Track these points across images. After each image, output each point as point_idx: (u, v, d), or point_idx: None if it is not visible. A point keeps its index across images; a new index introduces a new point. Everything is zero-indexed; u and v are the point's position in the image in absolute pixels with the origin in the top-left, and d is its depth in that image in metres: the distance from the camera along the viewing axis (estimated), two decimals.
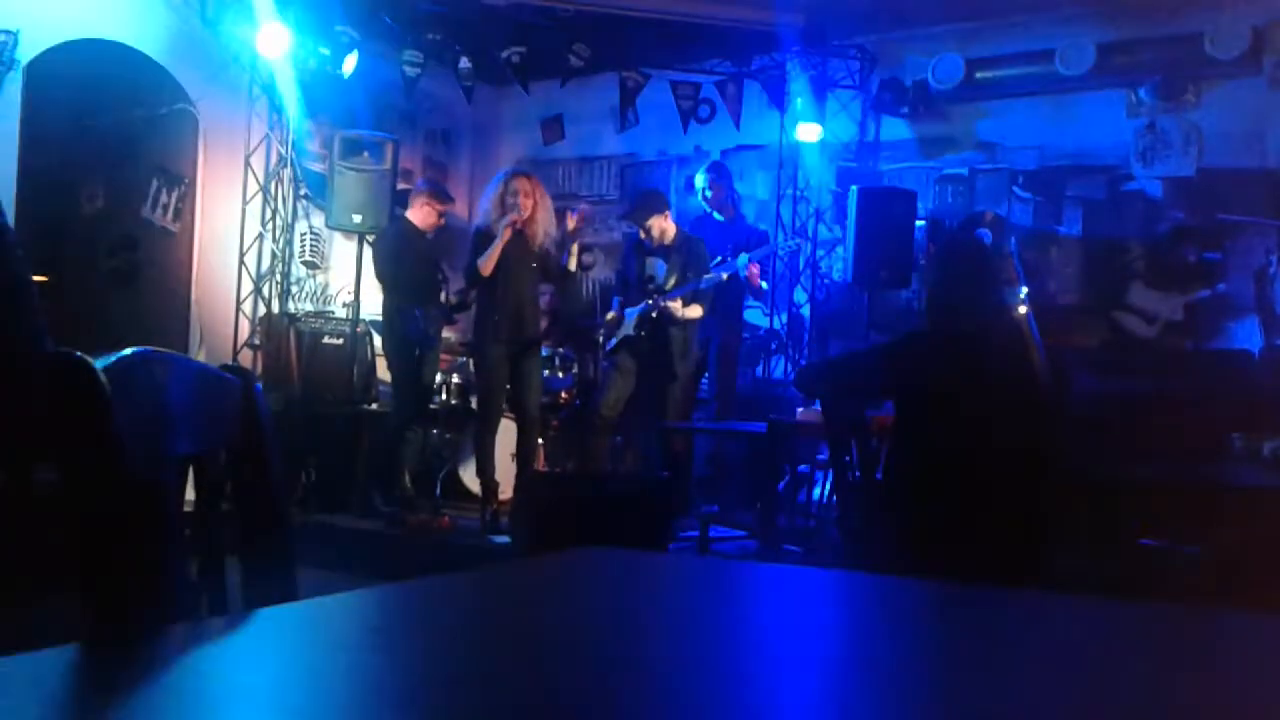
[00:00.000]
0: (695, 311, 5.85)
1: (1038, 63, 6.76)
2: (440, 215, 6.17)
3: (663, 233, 5.92)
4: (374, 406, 6.79)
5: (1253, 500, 3.30)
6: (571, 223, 5.90)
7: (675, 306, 5.77)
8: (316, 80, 7.04)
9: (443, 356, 6.60)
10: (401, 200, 6.59)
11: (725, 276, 6.00)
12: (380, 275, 6.15)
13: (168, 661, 0.87)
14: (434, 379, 6.31)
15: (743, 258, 6.22)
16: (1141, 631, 1.13)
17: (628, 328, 5.91)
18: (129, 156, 6.63)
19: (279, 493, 1.35)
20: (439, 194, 6.25)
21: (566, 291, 7.09)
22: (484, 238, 5.59)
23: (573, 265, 5.76)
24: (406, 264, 5.98)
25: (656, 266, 5.94)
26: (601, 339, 6.22)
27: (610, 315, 6.03)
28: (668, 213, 6.01)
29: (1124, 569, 3.16)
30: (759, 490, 5.37)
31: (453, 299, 6.46)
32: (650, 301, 5.82)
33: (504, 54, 6.95)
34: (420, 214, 6.11)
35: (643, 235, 5.94)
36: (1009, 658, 1.00)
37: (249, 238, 7.01)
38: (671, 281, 5.86)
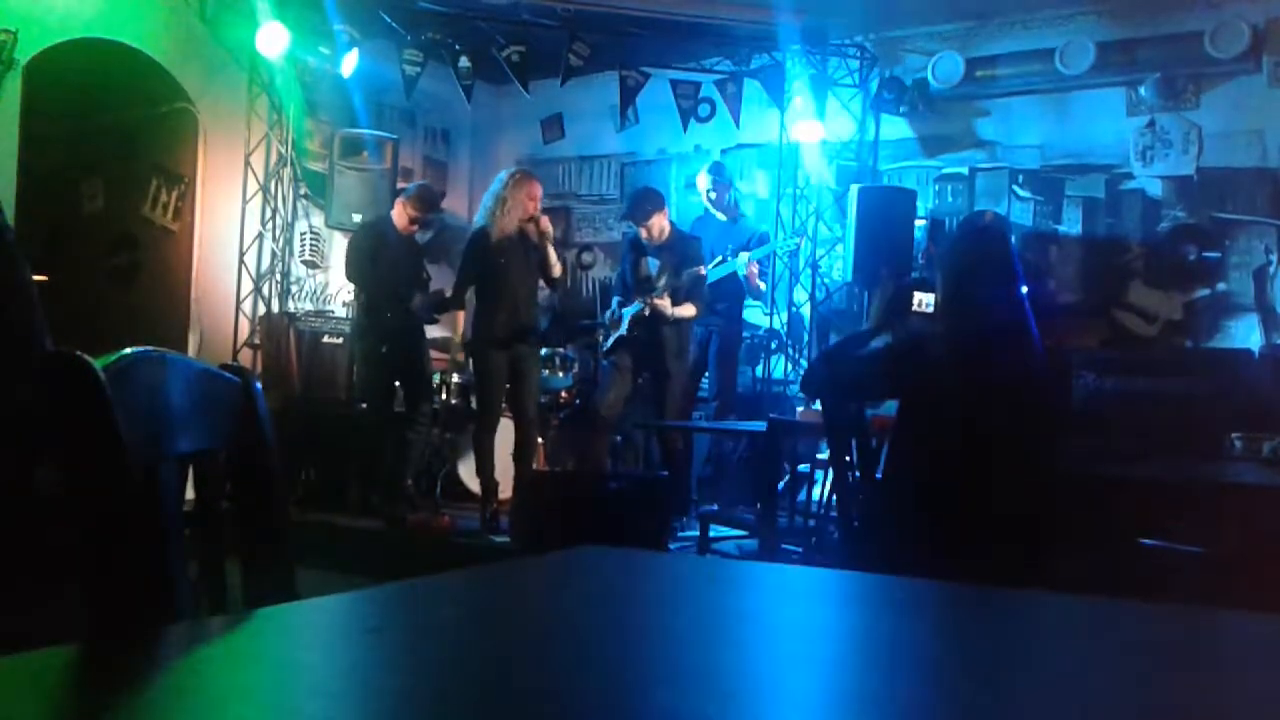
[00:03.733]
0: (688, 311, 5.84)
1: (1037, 61, 6.77)
2: (413, 221, 6.03)
3: (660, 231, 5.92)
4: None
5: (1253, 500, 3.30)
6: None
7: (664, 305, 5.76)
8: (316, 79, 7.04)
9: (442, 356, 6.57)
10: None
11: (703, 271, 5.95)
12: (349, 274, 6.09)
13: (168, 661, 0.87)
14: (423, 378, 6.24)
15: (742, 257, 6.23)
16: (1141, 631, 1.13)
17: (622, 327, 5.92)
18: (129, 156, 6.65)
19: (279, 492, 1.35)
20: (418, 200, 6.07)
21: (563, 292, 7.07)
22: (482, 239, 5.59)
23: (556, 271, 5.73)
24: (380, 263, 5.90)
25: (650, 265, 5.95)
26: (600, 338, 6.22)
27: (610, 315, 6.03)
28: (665, 211, 6.01)
29: (1124, 569, 3.16)
30: (759, 489, 5.36)
31: (439, 296, 6.39)
32: (641, 301, 5.83)
33: (503, 53, 6.95)
34: (397, 215, 6.05)
35: (643, 235, 5.94)
36: (1009, 658, 1.00)
37: (249, 237, 7.01)
38: (663, 280, 5.87)
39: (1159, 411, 5.32)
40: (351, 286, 7.09)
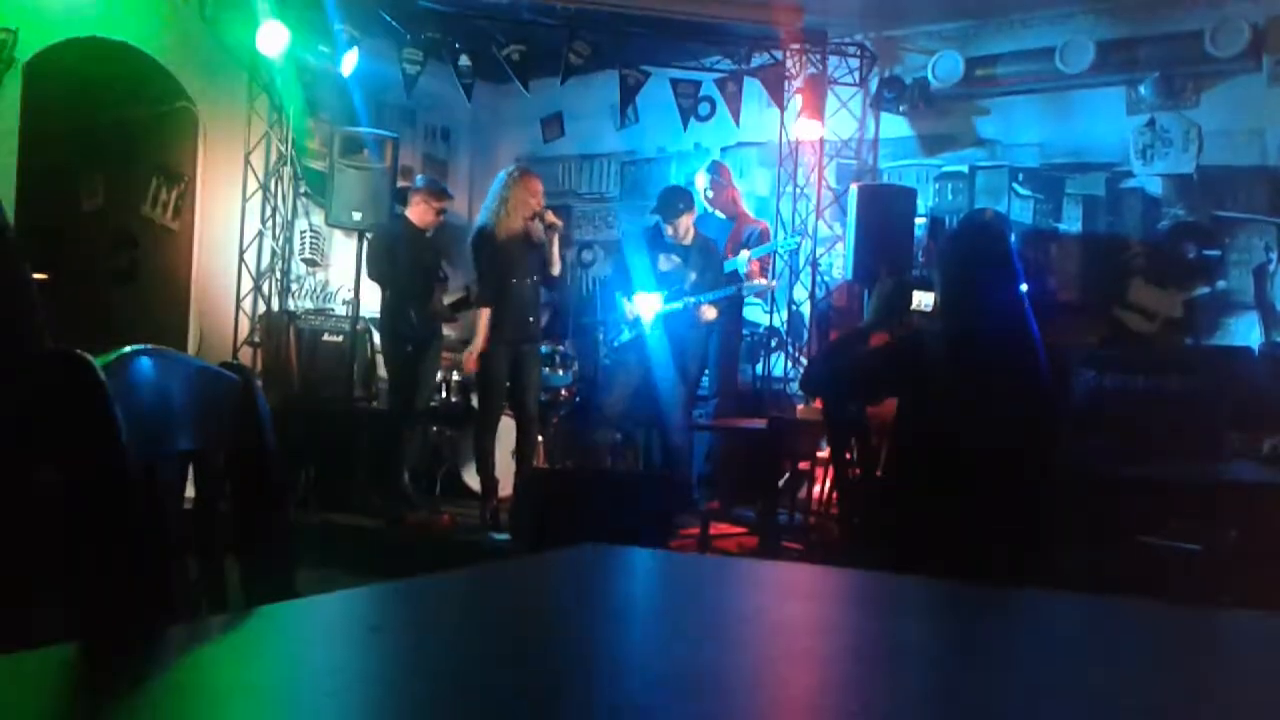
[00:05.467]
0: (713, 313, 5.96)
1: (1038, 60, 6.77)
2: (439, 213, 6.15)
3: (685, 231, 6.02)
4: (374, 404, 6.78)
5: (1252, 498, 3.30)
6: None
7: (705, 310, 5.87)
8: (316, 78, 7.04)
9: (445, 354, 6.59)
10: (401, 197, 6.58)
11: (772, 284, 6.08)
12: (372, 274, 6.14)
13: (168, 661, 0.87)
14: (434, 377, 6.30)
15: (743, 255, 6.25)
16: (1141, 630, 1.13)
17: (644, 325, 5.96)
18: (129, 154, 6.64)
19: (279, 491, 1.35)
20: (436, 191, 6.23)
21: (562, 290, 7.08)
22: (490, 238, 5.59)
23: (556, 269, 5.75)
24: (400, 263, 5.95)
25: (673, 264, 6.00)
26: (602, 335, 6.24)
27: (630, 308, 6.03)
28: (694, 212, 6.11)
29: (1124, 567, 3.16)
30: (759, 487, 5.37)
31: (450, 297, 6.44)
32: (683, 304, 5.89)
33: (504, 51, 6.94)
34: (418, 212, 6.09)
35: (668, 231, 6.00)
36: (1009, 656, 1.00)
37: (249, 235, 7.01)
38: (691, 277, 5.94)
39: (1159, 409, 5.32)
40: (351, 285, 7.10)
